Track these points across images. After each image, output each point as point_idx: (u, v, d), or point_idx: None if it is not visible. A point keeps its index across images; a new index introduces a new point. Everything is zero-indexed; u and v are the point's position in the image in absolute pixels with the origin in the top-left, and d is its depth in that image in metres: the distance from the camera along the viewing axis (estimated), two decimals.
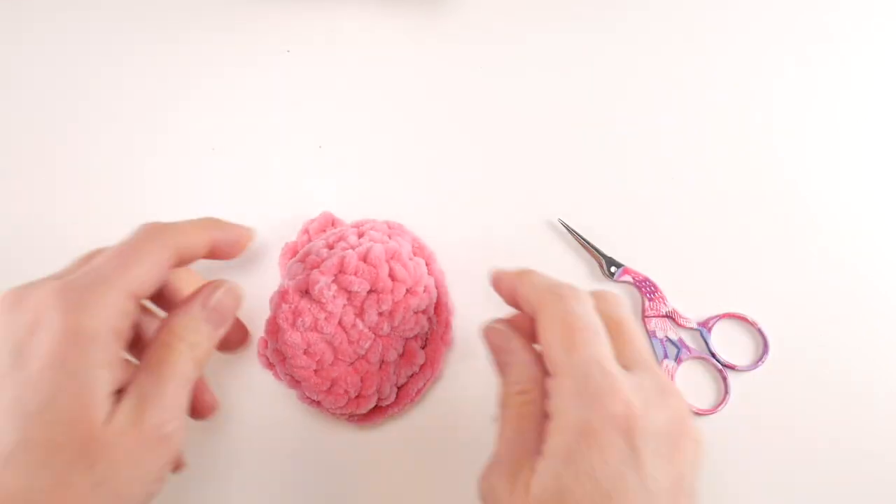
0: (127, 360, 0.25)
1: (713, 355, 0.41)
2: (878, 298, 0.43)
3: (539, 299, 0.27)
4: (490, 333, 0.30)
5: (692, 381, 0.40)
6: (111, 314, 0.23)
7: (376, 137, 0.47)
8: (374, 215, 0.44)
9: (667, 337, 0.41)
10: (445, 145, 0.47)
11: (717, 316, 0.42)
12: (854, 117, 0.48)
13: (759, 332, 0.41)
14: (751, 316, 0.42)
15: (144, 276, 0.25)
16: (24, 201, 0.45)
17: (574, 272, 0.43)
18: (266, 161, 0.46)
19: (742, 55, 0.50)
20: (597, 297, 0.28)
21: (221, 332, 0.29)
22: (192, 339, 0.26)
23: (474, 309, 0.42)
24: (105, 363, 0.22)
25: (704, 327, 0.41)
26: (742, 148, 0.47)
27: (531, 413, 0.26)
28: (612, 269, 0.42)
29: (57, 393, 0.20)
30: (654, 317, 0.41)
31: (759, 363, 0.40)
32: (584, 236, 0.43)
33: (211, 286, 0.29)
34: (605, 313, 0.27)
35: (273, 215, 0.44)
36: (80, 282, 0.23)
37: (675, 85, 0.49)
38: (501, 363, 0.29)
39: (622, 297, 0.29)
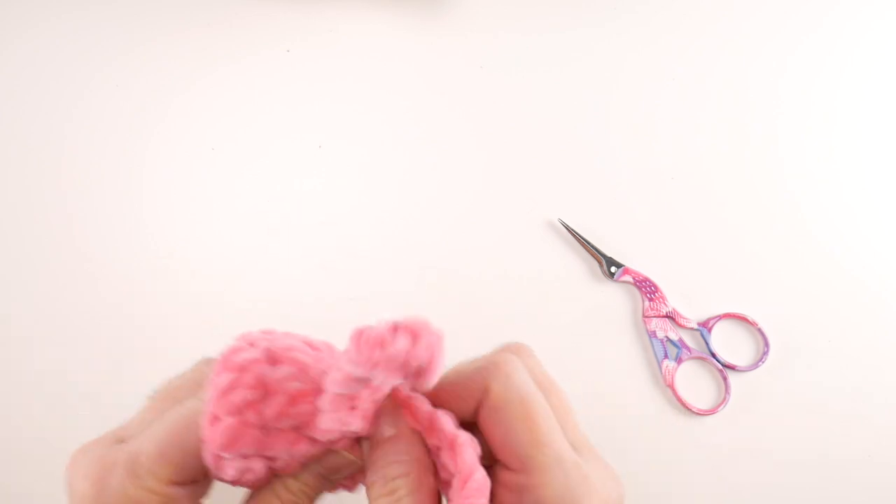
0: None
1: (713, 355, 0.41)
2: (877, 298, 0.43)
3: (486, 377, 0.23)
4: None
5: (692, 381, 0.40)
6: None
7: (376, 137, 0.47)
8: (374, 215, 0.44)
9: (667, 337, 0.41)
10: (445, 145, 0.47)
11: (717, 316, 0.42)
12: (854, 118, 0.48)
13: (759, 332, 0.41)
14: (751, 316, 0.42)
15: (184, 463, 0.23)
16: (23, 200, 0.45)
17: (574, 272, 0.43)
18: (266, 161, 0.46)
19: (742, 55, 0.50)
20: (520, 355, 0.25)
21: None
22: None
23: (473, 310, 0.42)
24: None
25: (704, 327, 0.41)
26: (742, 148, 0.47)
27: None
28: (612, 269, 0.42)
29: None
30: (654, 317, 0.41)
31: (759, 363, 0.40)
32: (584, 236, 0.43)
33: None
34: (537, 379, 0.24)
35: (271, 219, 0.44)
36: (118, 471, 0.23)
37: (676, 85, 0.49)
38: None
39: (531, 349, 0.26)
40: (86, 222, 0.44)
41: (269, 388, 0.23)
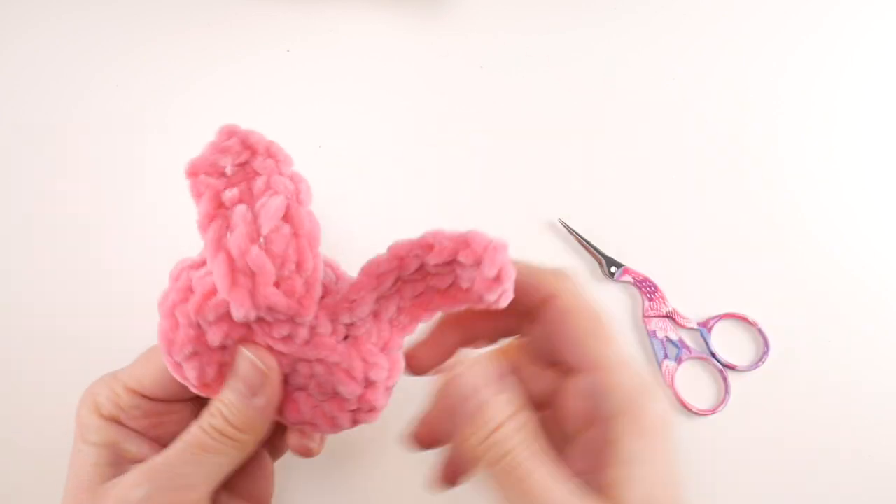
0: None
1: (713, 355, 0.41)
2: (877, 298, 0.43)
3: (554, 284, 0.26)
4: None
5: (692, 381, 0.40)
6: (103, 405, 0.27)
7: (376, 137, 0.47)
8: (374, 215, 0.44)
9: (667, 337, 0.41)
10: (445, 145, 0.47)
11: (717, 316, 0.42)
12: (854, 118, 0.48)
13: (759, 332, 0.41)
14: (751, 316, 0.42)
15: (145, 376, 0.28)
16: (22, 200, 0.44)
17: (574, 272, 0.43)
18: None
19: (742, 55, 0.50)
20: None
21: (255, 400, 0.26)
22: (212, 409, 0.26)
23: None
24: (94, 443, 0.27)
25: (704, 327, 0.41)
26: (742, 148, 0.47)
27: (543, 429, 0.24)
28: (612, 269, 0.42)
29: (73, 463, 0.27)
30: (654, 317, 0.41)
31: (759, 363, 0.40)
32: (584, 236, 0.43)
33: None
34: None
35: None
36: (99, 379, 0.29)
37: (676, 85, 0.49)
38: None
39: None
40: (85, 223, 0.44)
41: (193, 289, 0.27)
